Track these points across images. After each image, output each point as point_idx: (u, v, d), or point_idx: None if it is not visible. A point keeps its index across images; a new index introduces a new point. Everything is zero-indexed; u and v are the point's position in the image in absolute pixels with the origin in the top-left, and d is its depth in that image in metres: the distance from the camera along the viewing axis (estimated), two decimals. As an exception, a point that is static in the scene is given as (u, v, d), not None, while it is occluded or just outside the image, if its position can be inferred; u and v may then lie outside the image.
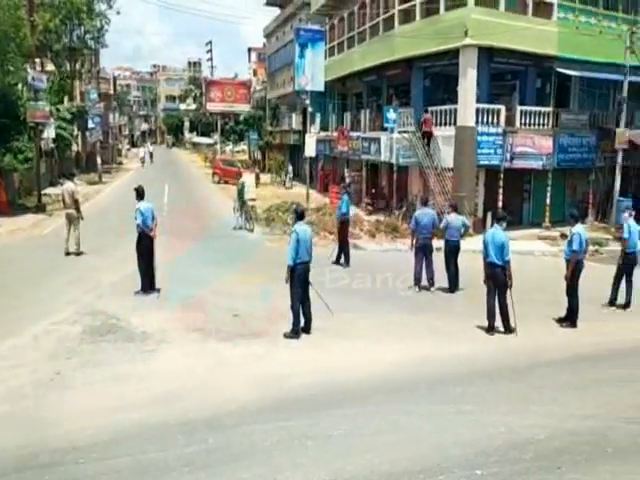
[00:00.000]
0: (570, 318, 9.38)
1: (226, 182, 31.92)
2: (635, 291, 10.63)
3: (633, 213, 11.35)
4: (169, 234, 14.36)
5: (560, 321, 9.47)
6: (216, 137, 47.53)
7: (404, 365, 7.38)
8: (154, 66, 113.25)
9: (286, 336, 8.30)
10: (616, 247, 16.98)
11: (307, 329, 8.54)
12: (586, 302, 9.60)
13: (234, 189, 21.11)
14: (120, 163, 51.20)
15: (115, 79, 59.80)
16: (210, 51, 49.09)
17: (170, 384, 6.63)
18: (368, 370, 7.17)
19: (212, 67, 49.83)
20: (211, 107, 44.49)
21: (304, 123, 28.68)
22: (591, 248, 16.21)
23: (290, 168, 33.63)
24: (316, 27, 25.01)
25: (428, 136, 19.34)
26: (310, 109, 24.18)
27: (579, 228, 9.46)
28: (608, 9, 21.00)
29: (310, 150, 23.01)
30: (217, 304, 9.90)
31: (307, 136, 23.35)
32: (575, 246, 9.22)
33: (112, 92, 54.34)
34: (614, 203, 19.57)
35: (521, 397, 6.38)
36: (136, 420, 5.68)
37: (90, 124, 37.18)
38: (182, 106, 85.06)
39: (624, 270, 10.64)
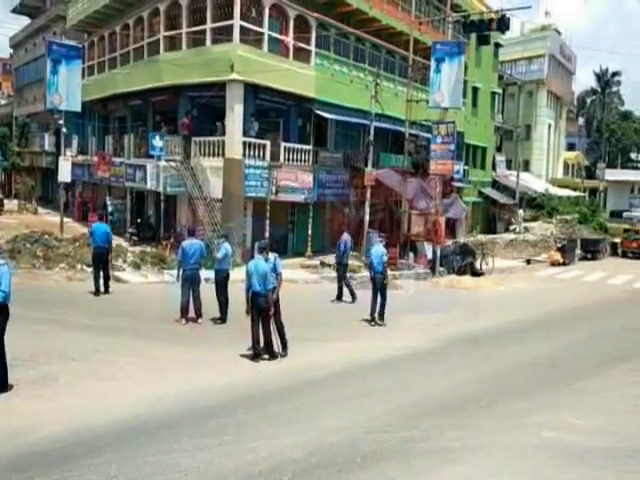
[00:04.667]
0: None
1: (-42, 209, 27.32)
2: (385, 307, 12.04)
3: (383, 241, 13.23)
4: None
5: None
6: (-54, 156, 40.56)
7: (164, 402, 6.98)
8: None
9: None
10: (367, 274, 18.95)
11: None
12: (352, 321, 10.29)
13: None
14: None
15: None
16: (-61, 56, 41.99)
17: None
18: (126, 412, 6.60)
19: (-57, 75, 42.57)
20: (-61, 120, 37.95)
21: (58, 145, 26.12)
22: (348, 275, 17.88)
23: None
24: (72, 43, 23.13)
25: (187, 138, 19.86)
26: (65, 130, 22.08)
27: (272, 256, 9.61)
28: (357, 61, 23.75)
29: (65, 175, 20.91)
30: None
31: (61, 159, 21.20)
32: (279, 269, 9.55)
33: None
34: (365, 234, 21.79)
35: (282, 419, 6.54)
36: None
37: None
38: None
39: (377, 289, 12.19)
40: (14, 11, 40.52)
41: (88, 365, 8.11)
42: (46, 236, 16.93)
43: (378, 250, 12.51)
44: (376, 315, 12.18)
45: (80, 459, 5.35)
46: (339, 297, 14.62)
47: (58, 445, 5.63)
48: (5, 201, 29.39)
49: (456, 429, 6.38)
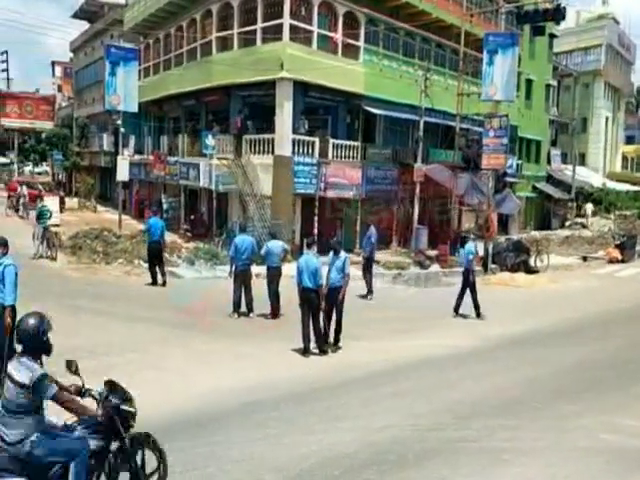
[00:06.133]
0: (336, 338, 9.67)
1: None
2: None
3: (475, 240, 13.69)
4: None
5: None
6: (12, 156, 42.71)
7: (216, 394, 7.16)
8: None
9: None
10: (416, 270, 18.83)
11: None
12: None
13: (33, 214, 19.04)
14: None
15: None
16: (5, 61, 44.22)
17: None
18: (175, 404, 6.78)
19: (8, 79, 44.79)
20: (7, 123, 40.00)
21: (116, 145, 27.08)
22: (395, 272, 17.81)
23: None
24: (129, 45, 23.94)
25: (237, 137, 20.54)
26: (123, 130, 22.91)
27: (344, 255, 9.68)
28: (407, 56, 23.49)
29: (123, 174, 21.74)
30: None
31: (119, 158, 22.04)
32: (347, 270, 9.56)
33: None
34: (414, 230, 21.61)
35: (331, 415, 6.60)
36: None
37: None
38: (-31, 120, 74.61)
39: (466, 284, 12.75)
40: (74, 16, 42.16)
41: (144, 357, 8.40)
42: (105, 233, 17.68)
43: (467, 248, 13.01)
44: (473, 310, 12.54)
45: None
46: (369, 291, 14.73)
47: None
48: (66, 199, 30.65)
49: (507, 430, 6.29)
